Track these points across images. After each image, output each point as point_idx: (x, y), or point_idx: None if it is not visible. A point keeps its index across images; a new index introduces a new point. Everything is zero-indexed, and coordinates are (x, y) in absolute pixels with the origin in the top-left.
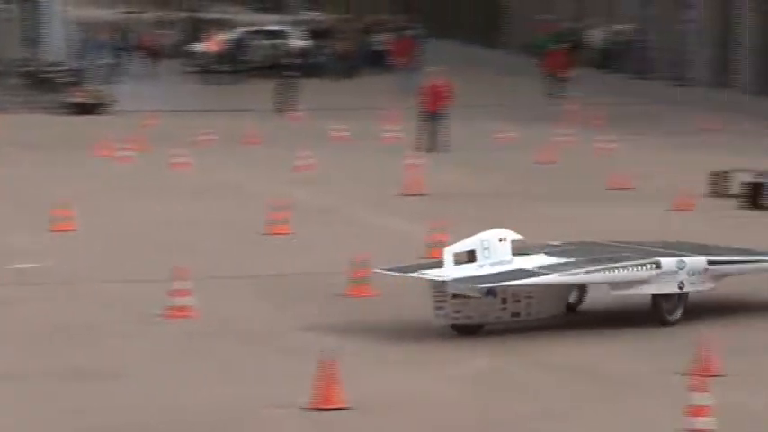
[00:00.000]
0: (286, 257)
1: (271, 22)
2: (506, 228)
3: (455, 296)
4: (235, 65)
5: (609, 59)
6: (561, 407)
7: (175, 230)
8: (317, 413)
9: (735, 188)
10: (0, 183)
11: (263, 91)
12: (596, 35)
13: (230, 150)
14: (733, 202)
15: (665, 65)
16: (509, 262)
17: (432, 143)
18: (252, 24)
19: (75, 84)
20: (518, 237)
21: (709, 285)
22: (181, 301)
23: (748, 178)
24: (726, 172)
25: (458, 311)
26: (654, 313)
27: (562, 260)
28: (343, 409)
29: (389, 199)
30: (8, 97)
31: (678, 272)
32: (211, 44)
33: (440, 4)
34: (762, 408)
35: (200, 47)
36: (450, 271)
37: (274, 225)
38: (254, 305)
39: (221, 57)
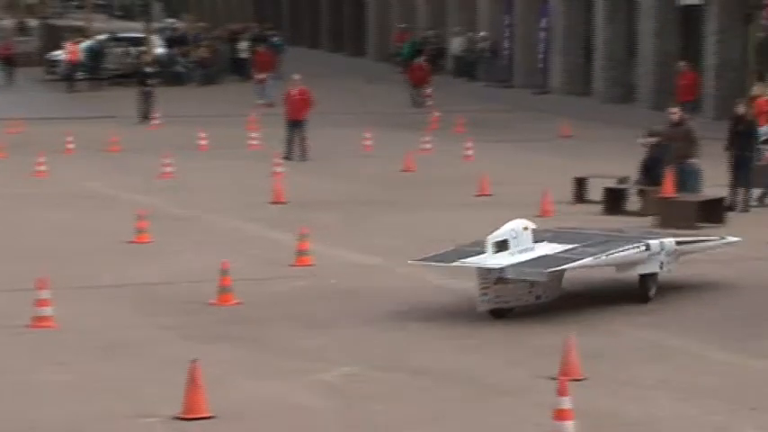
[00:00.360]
0: (149, 266)
1: (129, 29)
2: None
3: (497, 282)
4: (93, 72)
5: (468, 67)
6: (430, 412)
7: (37, 239)
8: (183, 423)
9: (595, 194)
10: None
11: (123, 98)
12: (455, 43)
13: (91, 158)
14: (594, 207)
15: (522, 73)
16: (533, 249)
17: (294, 151)
18: (110, 32)
19: None
20: (533, 225)
21: (675, 265)
22: (43, 311)
23: (609, 184)
24: (585, 178)
25: (498, 296)
26: (640, 291)
27: (568, 246)
28: (209, 418)
29: (253, 207)
30: None
31: (660, 252)
32: (69, 52)
33: (303, 13)
34: (621, 410)
35: (58, 54)
36: (498, 259)
37: (137, 234)
38: (118, 315)
39: (80, 64)
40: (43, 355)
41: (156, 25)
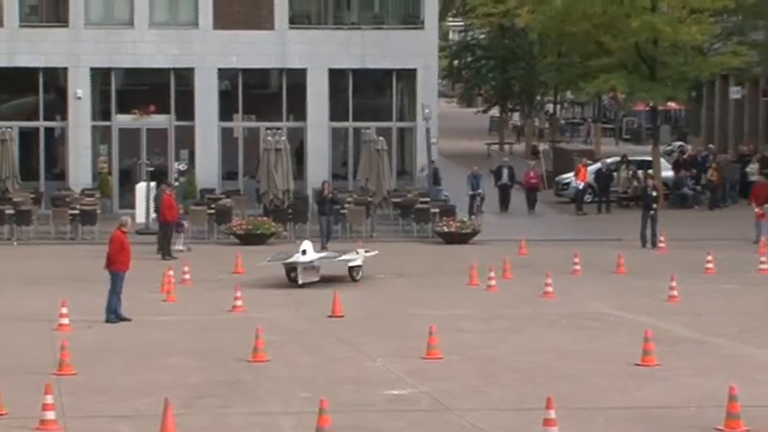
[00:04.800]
0: (655, 389)
1: (637, 152)
2: None
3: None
4: (601, 195)
5: None
6: None
7: (543, 358)
8: None
9: None
10: (370, 308)
11: (629, 221)
12: None
13: (597, 280)
14: None
15: None
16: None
17: None
18: (617, 155)
19: (444, 214)
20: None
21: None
22: (550, 431)
23: None
24: None
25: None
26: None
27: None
28: None
29: (762, 331)
30: (382, 226)
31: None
32: (578, 175)
33: None
34: None
35: (568, 177)
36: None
37: (643, 356)
38: None
39: (588, 187)
40: None
41: (663, 148)
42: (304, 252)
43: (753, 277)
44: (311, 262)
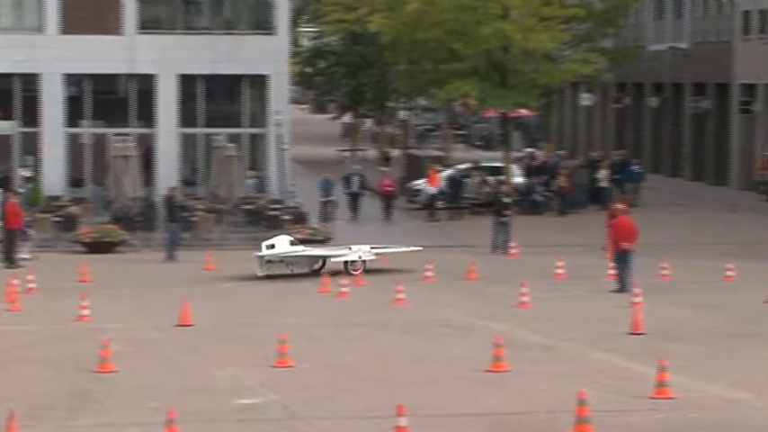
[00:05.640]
0: (505, 395)
1: (488, 158)
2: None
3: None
4: (453, 201)
5: None
6: None
7: (394, 366)
8: None
9: None
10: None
11: (481, 227)
12: None
13: (449, 286)
14: None
15: None
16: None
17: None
18: (468, 161)
19: (296, 221)
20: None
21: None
22: None
23: None
24: None
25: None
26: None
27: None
28: None
29: (611, 337)
30: (231, 234)
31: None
32: (430, 181)
33: (665, 141)
34: None
35: (419, 184)
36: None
37: (494, 362)
38: None
39: (440, 193)
40: None
41: (515, 154)
42: (271, 246)
43: (602, 282)
44: (263, 257)
